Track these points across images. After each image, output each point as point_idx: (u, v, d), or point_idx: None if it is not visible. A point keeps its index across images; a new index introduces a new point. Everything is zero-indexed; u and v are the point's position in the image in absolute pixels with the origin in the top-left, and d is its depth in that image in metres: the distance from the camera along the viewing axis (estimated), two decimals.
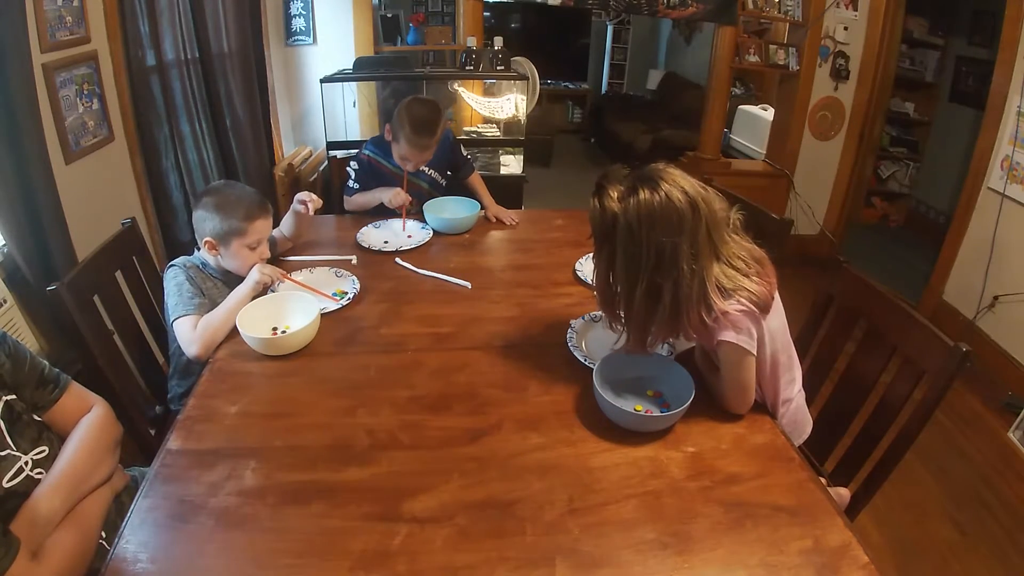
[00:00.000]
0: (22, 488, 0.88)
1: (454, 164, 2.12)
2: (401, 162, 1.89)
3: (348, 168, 2.01)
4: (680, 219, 0.96)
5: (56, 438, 0.98)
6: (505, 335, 1.34)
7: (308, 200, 1.56)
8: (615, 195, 1.01)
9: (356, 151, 2.03)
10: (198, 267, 1.42)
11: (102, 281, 1.37)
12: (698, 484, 0.94)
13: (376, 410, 1.09)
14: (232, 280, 1.43)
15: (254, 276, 1.36)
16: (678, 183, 0.98)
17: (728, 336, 1.01)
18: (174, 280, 1.34)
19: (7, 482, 0.86)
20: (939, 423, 2.18)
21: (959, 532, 1.78)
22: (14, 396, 0.93)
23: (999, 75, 2.54)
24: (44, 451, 0.94)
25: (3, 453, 0.87)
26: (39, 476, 0.91)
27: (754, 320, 1.02)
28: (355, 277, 1.53)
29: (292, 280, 1.46)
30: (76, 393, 1.04)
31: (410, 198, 1.88)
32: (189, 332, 1.26)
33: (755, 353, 1.03)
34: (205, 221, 1.37)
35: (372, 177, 1.98)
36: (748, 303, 1.00)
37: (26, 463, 0.90)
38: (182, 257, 1.43)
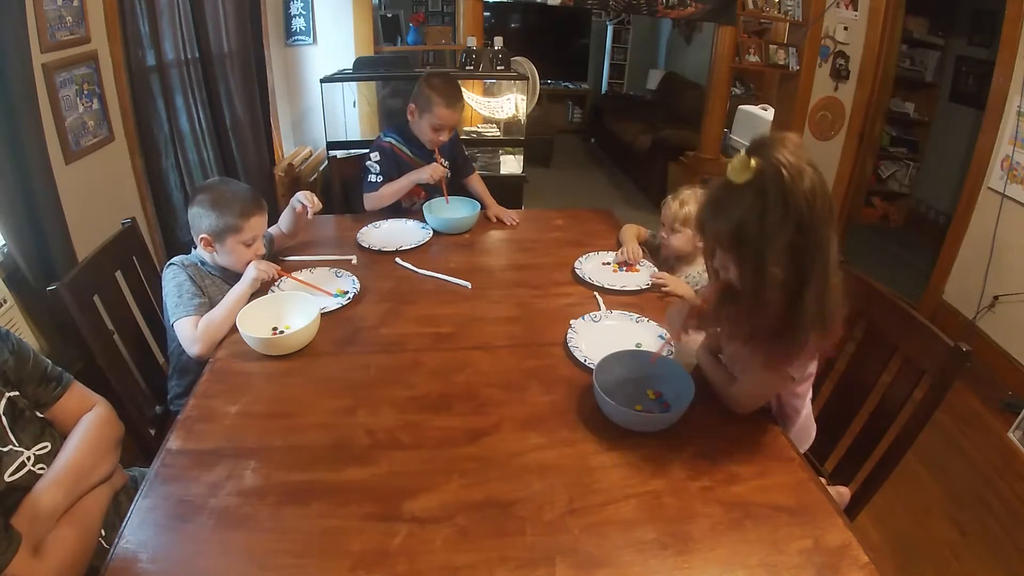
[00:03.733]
0: (24, 483, 0.88)
1: (456, 161, 2.12)
2: (434, 135, 1.90)
3: (368, 162, 1.94)
4: (831, 209, 0.79)
5: (58, 435, 0.99)
6: (505, 335, 1.34)
7: (307, 203, 1.56)
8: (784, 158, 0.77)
9: (375, 139, 1.99)
10: (197, 265, 1.42)
11: (102, 281, 1.37)
12: (698, 484, 0.94)
13: (376, 410, 1.09)
14: (230, 277, 1.43)
15: (251, 273, 1.36)
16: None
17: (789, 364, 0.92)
18: (174, 280, 1.34)
19: (9, 476, 0.87)
20: (939, 423, 2.18)
21: (959, 532, 1.78)
22: (17, 393, 0.94)
23: (999, 75, 2.54)
24: (46, 447, 0.94)
25: (5, 448, 0.88)
26: (41, 471, 0.91)
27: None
28: (355, 277, 1.53)
29: (291, 277, 1.47)
30: (78, 392, 1.04)
31: (448, 172, 1.89)
32: (191, 332, 1.27)
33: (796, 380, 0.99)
34: (201, 218, 1.37)
35: (395, 167, 1.95)
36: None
37: (28, 458, 0.90)
38: (180, 256, 1.43)
